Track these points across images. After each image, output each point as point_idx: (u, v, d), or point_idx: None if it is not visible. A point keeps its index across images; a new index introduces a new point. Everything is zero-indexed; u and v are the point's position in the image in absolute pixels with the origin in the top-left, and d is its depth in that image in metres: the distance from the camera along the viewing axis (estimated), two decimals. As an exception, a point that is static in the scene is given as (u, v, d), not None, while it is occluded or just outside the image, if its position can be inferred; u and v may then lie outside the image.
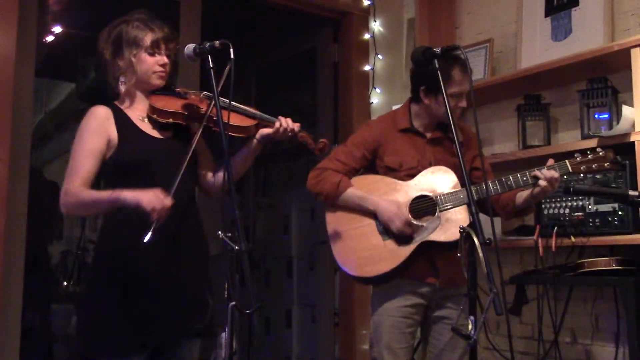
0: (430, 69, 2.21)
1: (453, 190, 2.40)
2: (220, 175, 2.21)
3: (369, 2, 3.94)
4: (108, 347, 1.97)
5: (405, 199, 2.43)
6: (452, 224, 2.36)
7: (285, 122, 2.14)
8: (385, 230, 2.42)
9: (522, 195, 2.45)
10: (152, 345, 2.02)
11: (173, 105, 2.09)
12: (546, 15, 3.31)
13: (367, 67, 3.91)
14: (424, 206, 2.41)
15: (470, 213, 1.86)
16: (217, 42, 1.90)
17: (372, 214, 2.45)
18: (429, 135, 2.54)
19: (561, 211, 2.88)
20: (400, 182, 2.47)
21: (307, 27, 4.29)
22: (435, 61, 2.07)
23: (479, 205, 2.04)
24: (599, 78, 2.92)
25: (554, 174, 2.32)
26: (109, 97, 2.16)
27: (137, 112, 2.12)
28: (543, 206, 2.93)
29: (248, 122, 2.14)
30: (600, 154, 2.36)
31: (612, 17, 3.06)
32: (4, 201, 2.67)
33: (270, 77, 5.14)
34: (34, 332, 4.01)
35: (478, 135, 2.08)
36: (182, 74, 3.32)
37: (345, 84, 3.97)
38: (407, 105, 2.60)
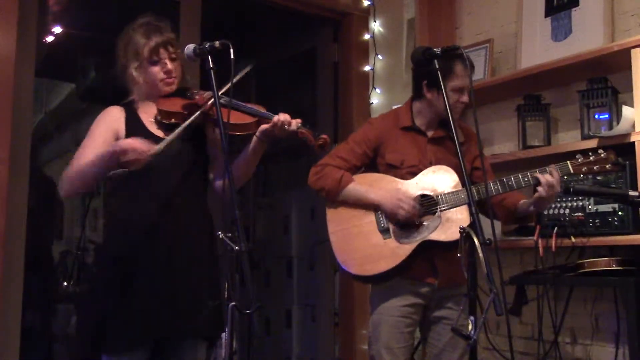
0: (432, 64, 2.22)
1: (454, 190, 2.40)
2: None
3: (369, 3, 3.94)
4: (107, 343, 1.98)
5: None
6: (452, 223, 2.36)
7: (283, 116, 2.11)
8: (386, 229, 2.42)
9: (525, 202, 2.45)
10: (151, 341, 2.02)
11: (175, 106, 2.10)
12: (546, 16, 3.31)
13: (367, 68, 3.92)
14: (425, 205, 2.42)
15: (471, 213, 1.86)
16: (217, 42, 1.90)
17: (373, 211, 2.45)
18: (430, 134, 2.55)
19: (561, 211, 2.88)
20: (401, 180, 2.47)
21: (307, 27, 4.29)
22: (435, 62, 2.07)
23: (479, 206, 2.05)
24: (599, 78, 2.92)
25: (550, 178, 2.32)
26: (113, 94, 2.18)
27: (149, 114, 2.16)
28: (543, 206, 2.94)
29: (248, 120, 2.14)
30: (602, 155, 2.36)
31: (612, 17, 3.06)
32: (4, 201, 2.68)
33: (270, 77, 5.14)
34: (34, 332, 4.01)
35: (478, 135, 2.08)
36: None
37: (345, 84, 3.97)
38: (409, 104, 2.60)
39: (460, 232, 1.82)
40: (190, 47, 1.97)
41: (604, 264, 2.66)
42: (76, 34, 4.04)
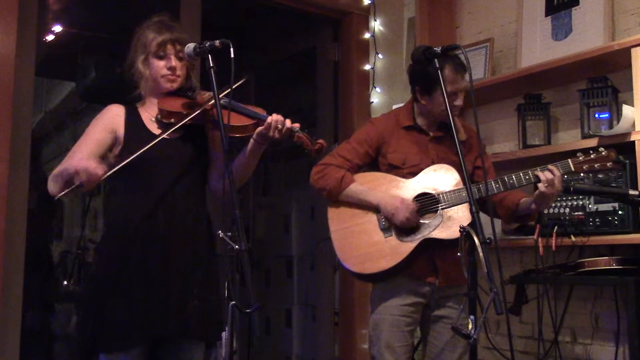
0: (423, 69, 2.23)
1: (455, 189, 2.40)
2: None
3: (369, 2, 3.94)
4: (103, 341, 1.98)
5: (408, 196, 2.43)
6: (454, 222, 2.36)
7: (276, 117, 2.08)
8: (387, 227, 2.42)
9: (527, 200, 2.45)
10: (147, 341, 2.01)
11: (176, 105, 2.10)
12: (546, 15, 3.31)
13: (367, 67, 3.91)
14: (426, 204, 2.42)
15: (471, 212, 1.86)
16: (217, 42, 1.89)
17: (375, 211, 2.45)
18: (432, 133, 2.55)
19: (561, 210, 2.88)
20: (402, 179, 2.47)
21: (307, 26, 4.29)
22: (436, 60, 2.07)
23: (480, 205, 2.05)
24: (599, 77, 2.92)
25: (550, 175, 2.32)
26: (113, 94, 2.19)
27: (151, 112, 2.15)
28: (543, 206, 2.93)
29: (245, 122, 2.13)
30: (603, 153, 2.35)
31: (612, 16, 3.05)
32: (4, 201, 2.68)
33: (270, 76, 5.14)
34: (34, 332, 4.02)
35: (479, 134, 2.08)
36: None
37: (345, 84, 3.97)
38: (410, 103, 2.61)
39: (460, 231, 1.82)
40: (190, 46, 1.98)
41: (604, 263, 2.66)
42: (76, 33, 4.04)
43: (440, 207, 2.40)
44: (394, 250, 2.40)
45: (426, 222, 2.40)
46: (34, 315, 4.08)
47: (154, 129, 2.12)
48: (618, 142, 2.69)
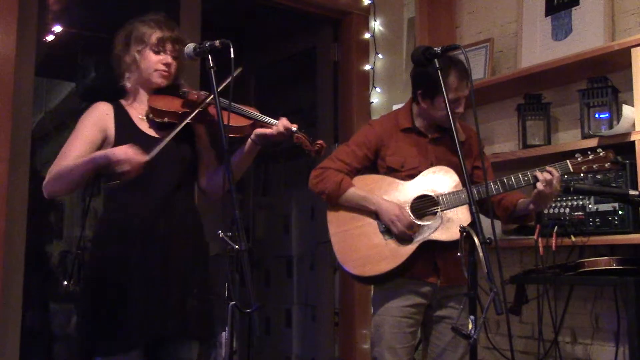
0: (427, 73, 2.23)
1: (454, 190, 2.40)
2: (219, 175, 2.21)
3: (369, 2, 3.94)
4: (100, 345, 1.97)
5: (407, 199, 2.43)
6: (453, 223, 2.36)
7: (286, 122, 2.12)
8: (387, 230, 2.42)
9: (525, 201, 2.45)
10: (144, 342, 2.00)
11: (170, 105, 2.09)
12: (546, 15, 3.31)
13: (367, 67, 3.91)
14: (426, 206, 2.42)
15: (471, 213, 1.86)
16: (217, 42, 1.89)
17: (374, 214, 2.45)
18: (430, 135, 2.54)
19: (561, 210, 2.88)
20: (401, 181, 2.47)
21: (307, 26, 4.29)
22: (436, 61, 2.07)
23: (479, 206, 2.05)
24: (599, 78, 2.92)
25: (548, 176, 2.32)
26: (113, 94, 2.17)
27: (139, 110, 2.13)
28: (543, 206, 2.94)
29: (243, 122, 2.13)
30: (601, 154, 2.36)
31: (612, 16, 3.05)
32: (4, 201, 2.67)
33: (270, 76, 5.14)
34: (34, 332, 4.02)
35: (479, 134, 2.08)
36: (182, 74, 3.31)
37: (345, 84, 3.97)
38: (409, 105, 2.60)
39: (460, 231, 1.82)
40: (190, 46, 1.97)
41: (604, 263, 2.66)
42: (76, 33, 4.04)
43: (439, 209, 2.40)
44: (394, 252, 2.40)
45: (426, 224, 2.40)
46: (34, 315, 4.08)
47: (145, 127, 2.10)
48: (618, 142, 2.69)
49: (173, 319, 2.00)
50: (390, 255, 2.39)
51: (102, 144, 2.07)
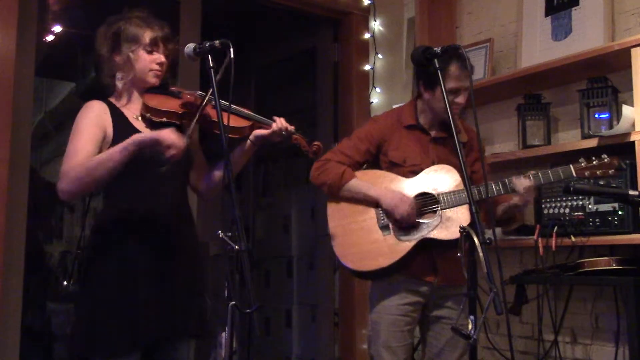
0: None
1: (455, 189, 2.41)
2: (215, 175, 2.22)
3: (369, 2, 3.94)
4: (99, 347, 1.95)
5: (408, 196, 2.43)
6: (453, 222, 2.36)
7: (282, 122, 2.14)
8: (386, 226, 2.43)
9: (504, 205, 2.47)
10: (143, 345, 1.99)
11: (167, 104, 2.09)
12: (546, 15, 3.31)
13: (367, 67, 3.92)
14: (426, 204, 2.42)
15: (471, 212, 1.86)
16: (217, 42, 1.88)
17: (374, 207, 2.46)
18: (433, 133, 2.55)
19: (561, 211, 2.88)
20: (403, 178, 2.48)
21: (307, 26, 4.29)
22: (435, 61, 2.07)
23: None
24: (599, 78, 2.92)
25: (527, 183, 2.35)
26: (103, 94, 2.16)
27: (132, 110, 2.12)
28: (543, 206, 2.93)
29: (243, 123, 2.14)
30: (605, 160, 2.36)
31: (612, 16, 3.05)
32: (4, 201, 2.67)
33: (270, 76, 5.14)
34: (34, 332, 4.01)
35: (478, 134, 2.08)
36: (182, 73, 3.32)
37: (345, 84, 3.97)
38: (413, 102, 2.61)
39: (460, 231, 1.82)
40: (190, 46, 1.96)
41: (604, 263, 2.66)
42: (76, 33, 4.03)
43: (439, 208, 2.40)
44: (392, 248, 2.40)
45: (425, 222, 2.40)
46: (34, 315, 4.08)
47: (141, 126, 2.09)
48: (618, 142, 2.69)
49: (173, 318, 2.00)
50: (388, 251, 2.40)
51: (103, 142, 2.04)
